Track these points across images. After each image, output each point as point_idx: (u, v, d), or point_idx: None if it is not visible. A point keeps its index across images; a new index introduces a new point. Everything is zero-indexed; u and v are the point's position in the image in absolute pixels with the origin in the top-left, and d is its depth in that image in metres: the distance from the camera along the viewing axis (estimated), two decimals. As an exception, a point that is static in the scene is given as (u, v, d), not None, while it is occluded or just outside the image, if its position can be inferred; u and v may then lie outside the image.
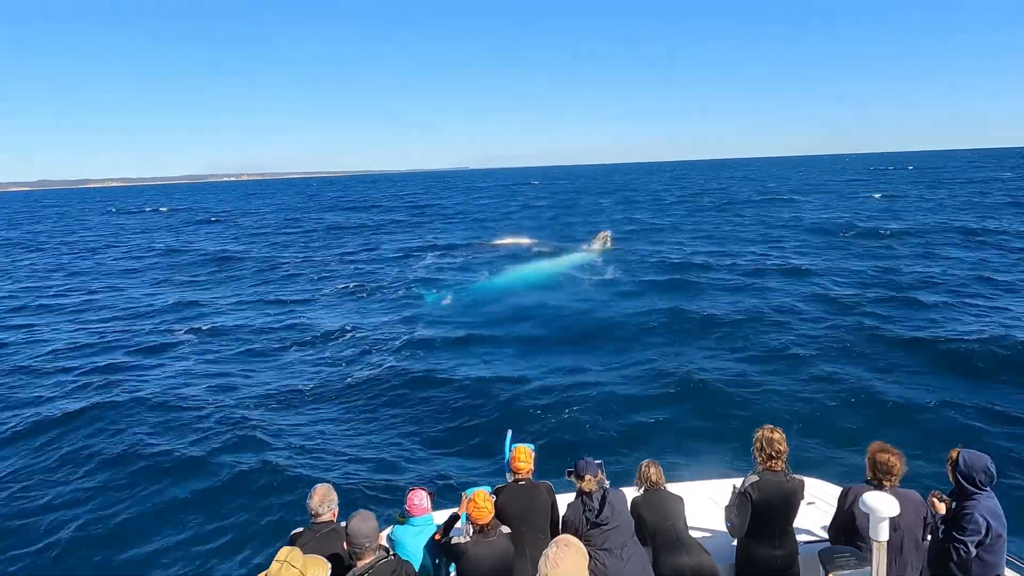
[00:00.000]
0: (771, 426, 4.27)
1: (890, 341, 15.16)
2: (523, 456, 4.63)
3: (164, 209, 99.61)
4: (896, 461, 3.83)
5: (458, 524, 4.40)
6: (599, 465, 4.44)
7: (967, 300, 19.00)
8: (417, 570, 4.14)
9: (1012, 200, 49.86)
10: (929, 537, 3.96)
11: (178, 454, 10.86)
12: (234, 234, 53.00)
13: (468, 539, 4.01)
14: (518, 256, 33.34)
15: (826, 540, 4.40)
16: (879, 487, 3.83)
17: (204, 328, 20.06)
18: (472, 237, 42.49)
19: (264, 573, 2.91)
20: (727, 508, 4.36)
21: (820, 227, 38.02)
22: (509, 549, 4.09)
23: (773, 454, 4.15)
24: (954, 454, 3.84)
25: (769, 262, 27.44)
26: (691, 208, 59.12)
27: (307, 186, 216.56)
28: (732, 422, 11.15)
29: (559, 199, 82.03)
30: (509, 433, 5.13)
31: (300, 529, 4.30)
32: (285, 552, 2.94)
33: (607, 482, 4.48)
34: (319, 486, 4.33)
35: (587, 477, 4.33)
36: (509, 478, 4.68)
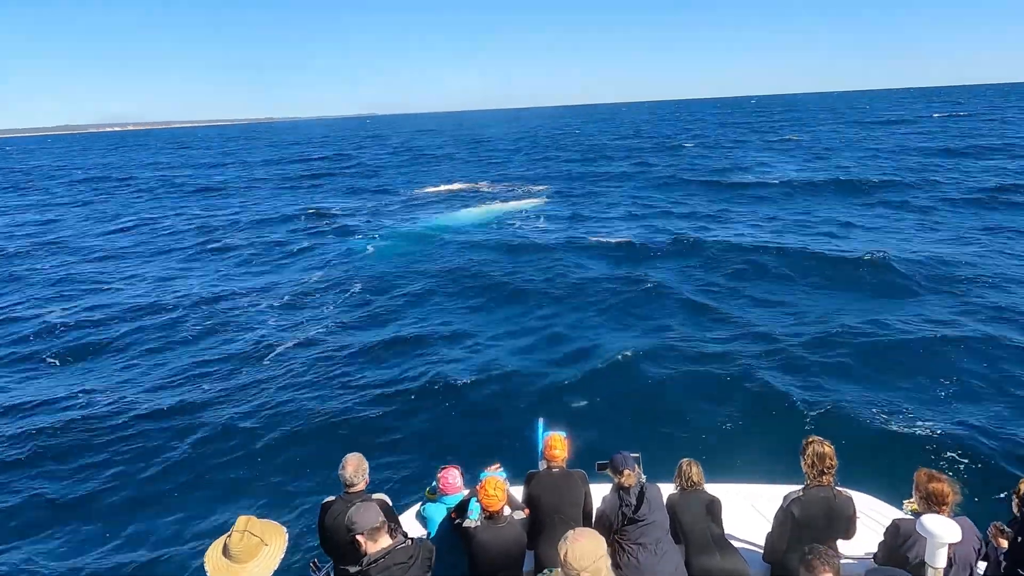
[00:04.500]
0: (820, 439, 4.05)
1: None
2: (558, 444, 4.47)
3: None
4: (948, 489, 3.61)
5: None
6: (636, 459, 4.33)
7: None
8: (443, 543, 4.17)
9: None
10: (982, 566, 3.79)
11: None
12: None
13: (477, 524, 4.00)
14: (453, 203, 32.53)
15: (869, 557, 4.17)
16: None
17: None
18: (400, 186, 41.14)
19: (222, 539, 2.77)
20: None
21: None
22: (519, 537, 4.06)
23: (824, 470, 3.96)
24: (1022, 486, 3.67)
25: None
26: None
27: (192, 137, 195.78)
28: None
29: (482, 146, 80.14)
30: (541, 421, 4.91)
31: (332, 498, 4.23)
32: (243, 521, 2.81)
33: (643, 476, 4.37)
34: (351, 456, 4.22)
35: (626, 472, 4.20)
36: (542, 466, 4.55)
